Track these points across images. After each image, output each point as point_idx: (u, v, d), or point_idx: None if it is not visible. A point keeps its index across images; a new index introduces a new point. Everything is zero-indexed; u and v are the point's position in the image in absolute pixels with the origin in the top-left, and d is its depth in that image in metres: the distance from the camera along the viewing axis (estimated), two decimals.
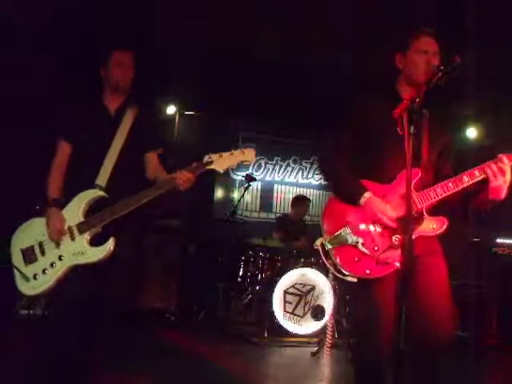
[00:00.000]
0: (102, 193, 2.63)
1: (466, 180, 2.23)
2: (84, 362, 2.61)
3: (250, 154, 2.55)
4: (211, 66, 5.73)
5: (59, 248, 2.61)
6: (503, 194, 2.20)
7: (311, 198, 7.87)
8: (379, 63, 2.53)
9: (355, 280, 2.23)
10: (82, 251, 2.57)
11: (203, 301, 5.88)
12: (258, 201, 7.80)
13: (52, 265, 2.60)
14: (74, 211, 2.63)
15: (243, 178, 6.81)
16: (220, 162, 2.53)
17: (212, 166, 2.53)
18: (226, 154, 2.54)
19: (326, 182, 6.07)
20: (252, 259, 5.88)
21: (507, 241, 5.54)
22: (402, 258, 1.90)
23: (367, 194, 2.25)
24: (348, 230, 2.28)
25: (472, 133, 6.98)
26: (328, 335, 4.67)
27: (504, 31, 4.46)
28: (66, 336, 2.52)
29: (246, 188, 6.34)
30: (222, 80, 5.88)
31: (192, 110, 6.85)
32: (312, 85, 5.97)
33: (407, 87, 2.37)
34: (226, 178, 7.67)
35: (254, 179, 6.36)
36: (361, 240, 2.24)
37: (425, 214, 2.25)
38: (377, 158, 2.34)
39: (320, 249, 2.30)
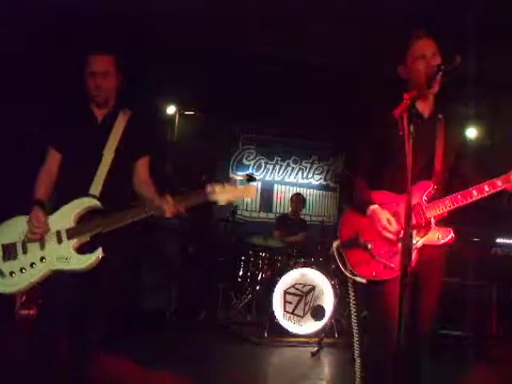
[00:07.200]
0: (97, 202, 2.57)
1: (475, 194, 2.28)
2: (78, 365, 2.60)
3: (252, 192, 2.55)
4: (211, 65, 5.73)
5: (43, 250, 2.53)
6: None
7: (311, 197, 7.87)
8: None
9: (364, 281, 2.39)
10: (67, 257, 2.49)
11: (203, 301, 5.87)
12: (258, 201, 7.78)
13: (32, 265, 2.51)
14: (66, 216, 2.56)
15: (243, 178, 6.80)
16: (222, 194, 2.46)
17: (214, 198, 2.45)
18: (229, 187, 2.47)
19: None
20: (252, 259, 5.88)
21: (507, 241, 5.53)
22: (401, 260, 1.94)
23: (372, 207, 2.38)
24: (360, 236, 2.42)
25: (472, 133, 6.97)
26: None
27: (504, 31, 4.47)
28: (50, 341, 2.50)
29: None
30: (222, 80, 5.88)
31: (192, 110, 6.85)
32: (312, 85, 5.97)
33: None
34: (226, 178, 7.66)
35: (254, 179, 6.35)
36: (370, 245, 2.38)
37: (432, 224, 2.32)
38: (392, 169, 2.40)
39: (335, 251, 2.50)
